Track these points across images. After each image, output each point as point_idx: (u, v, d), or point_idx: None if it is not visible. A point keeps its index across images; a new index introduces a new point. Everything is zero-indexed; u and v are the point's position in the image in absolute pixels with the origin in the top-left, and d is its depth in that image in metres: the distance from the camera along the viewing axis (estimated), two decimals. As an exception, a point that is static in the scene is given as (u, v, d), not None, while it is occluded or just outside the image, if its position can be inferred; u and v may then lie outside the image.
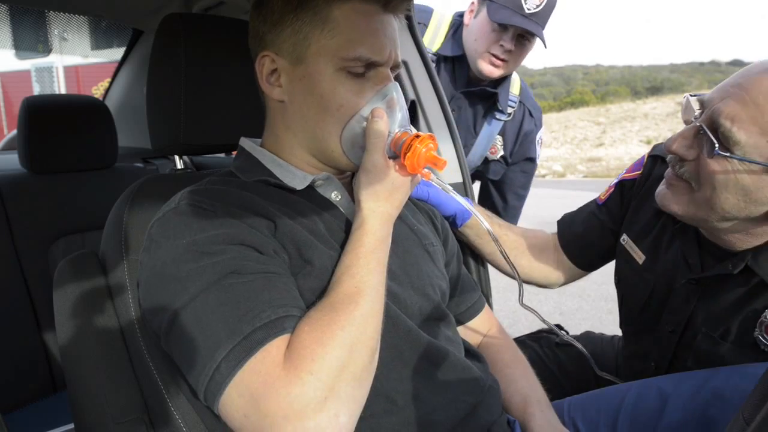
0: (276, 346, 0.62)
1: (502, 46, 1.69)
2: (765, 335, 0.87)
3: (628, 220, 1.12)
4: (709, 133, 0.83)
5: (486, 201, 2.15)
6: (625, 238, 1.11)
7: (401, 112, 0.78)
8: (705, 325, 0.95)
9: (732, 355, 0.92)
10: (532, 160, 2.06)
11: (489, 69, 1.75)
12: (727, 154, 0.82)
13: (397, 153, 0.77)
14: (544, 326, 1.41)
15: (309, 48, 0.75)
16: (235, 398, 0.60)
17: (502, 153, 2.03)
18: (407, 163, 0.75)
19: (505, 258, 0.93)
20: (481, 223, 0.85)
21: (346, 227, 0.80)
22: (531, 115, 1.99)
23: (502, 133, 1.98)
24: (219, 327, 0.62)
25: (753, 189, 0.83)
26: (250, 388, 0.59)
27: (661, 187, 0.96)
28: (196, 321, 0.64)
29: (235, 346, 0.61)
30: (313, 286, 0.72)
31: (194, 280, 0.65)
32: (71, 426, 0.95)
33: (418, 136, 0.75)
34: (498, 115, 1.93)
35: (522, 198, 2.13)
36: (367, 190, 0.76)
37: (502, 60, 1.72)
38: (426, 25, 1.87)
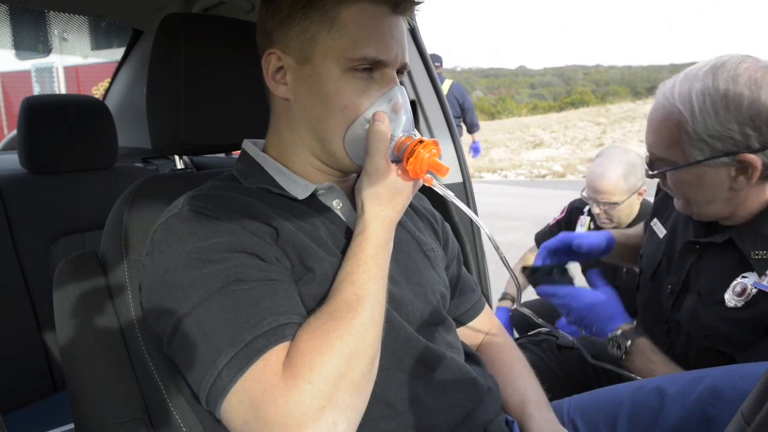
0: (276, 353, 0.62)
1: None
2: (734, 296, 1.01)
3: (656, 209, 1.32)
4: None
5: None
6: (655, 221, 1.30)
7: (406, 116, 0.77)
8: (695, 285, 1.09)
9: (702, 310, 1.05)
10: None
11: None
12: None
13: (399, 157, 0.76)
14: (542, 328, 1.42)
15: (316, 48, 0.75)
16: (236, 405, 0.61)
17: None
18: (409, 167, 0.74)
19: (505, 265, 0.93)
20: (481, 228, 0.83)
21: (347, 235, 0.80)
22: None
23: None
24: (221, 334, 0.63)
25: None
26: (251, 395, 0.60)
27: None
28: (198, 328, 0.64)
29: (236, 353, 0.61)
30: (314, 293, 0.72)
31: (197, 287, 0.65)
32: (71, 426, 0.95)
33: (421, 141, 0.74)
34: None
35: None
36: (369, 193, 0.75)
37: None
38: None
